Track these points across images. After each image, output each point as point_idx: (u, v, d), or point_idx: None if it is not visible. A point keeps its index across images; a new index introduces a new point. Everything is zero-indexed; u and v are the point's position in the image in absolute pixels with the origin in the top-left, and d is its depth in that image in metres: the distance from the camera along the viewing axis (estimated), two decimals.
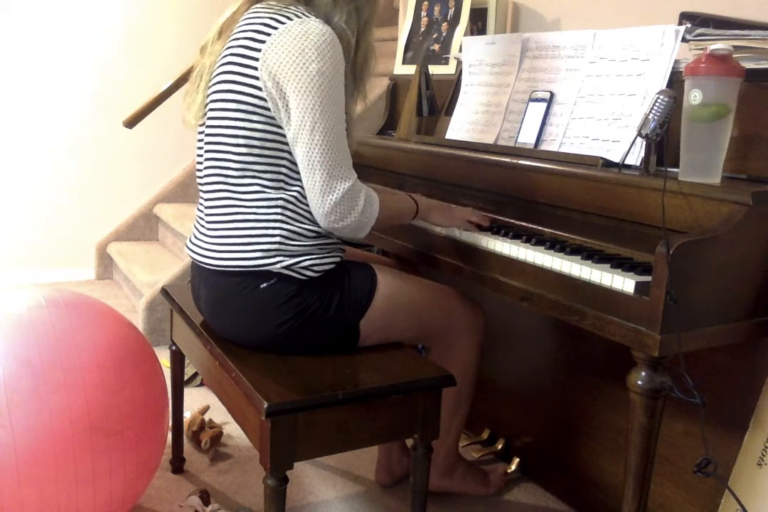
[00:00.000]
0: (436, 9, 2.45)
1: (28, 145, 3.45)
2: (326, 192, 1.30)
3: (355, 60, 1.41)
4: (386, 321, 1.45)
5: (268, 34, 1.29)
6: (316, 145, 1.29)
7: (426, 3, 2.48)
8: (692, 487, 1.47)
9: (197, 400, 2.19)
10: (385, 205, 1.40)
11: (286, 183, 1.35)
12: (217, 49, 1.40)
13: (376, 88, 2.94)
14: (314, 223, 1.37)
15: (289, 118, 1.29)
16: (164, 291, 1.77)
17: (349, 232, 1.37)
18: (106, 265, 3.71)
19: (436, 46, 2.43)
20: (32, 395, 1.33)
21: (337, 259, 1.41)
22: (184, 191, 3.72)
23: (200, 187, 1.44)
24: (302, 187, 1.35)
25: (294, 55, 1.26)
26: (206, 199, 1.41)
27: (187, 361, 1.89)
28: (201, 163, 1.44)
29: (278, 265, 1.34)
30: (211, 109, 1.38)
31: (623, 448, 1.45)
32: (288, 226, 1.34)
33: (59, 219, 3.57)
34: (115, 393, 1.42)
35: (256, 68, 1.29)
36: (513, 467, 1.88)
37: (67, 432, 1.34)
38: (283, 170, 1.34)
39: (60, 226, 3.58)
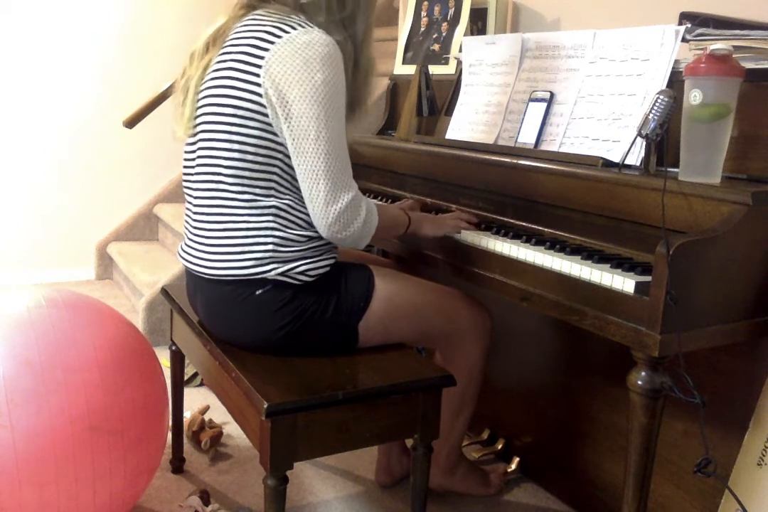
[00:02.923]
0: (436, 9, 2.45)
1: (28, 145, 3.45)
2: (330, 202, 1.31)
3: (355, 81, 1.41)
4: (386, 324, 1.45)
5: (272, 42, 1.28)
6: (321, 154, 1.29)
7: (426, 3, 2.49)
8: (692, 487, 1.47)
9: (197, 400, 2.19)
10: (383, 216, 1.41)
11: (278, 191, 1.34)
12: (205, 62, 1.38)
13: (377, 88, 2.93)
14: (306, 228, 1.36)
15: (289, 127, 1.28)
16: (164, 291, 1.77)
17: (350, 242, 1.38)
18: (106, 265, 3.71)
19: (436, 46, 2.43)
20: (32, 395, 1.33)
21: (332, 261, 1.41)
22: None
23: (190, 193, 1.43)
24: (294, 197, 1.35)
25: (299, 65, 1.26)
26: (195, 205, 1.40)
27: (187, 361, 1.89)
28: (192, 167, 1.42)
29: (272, 272, 1.34)
30: (204, 113, 1.37)
31: (623, 448, 1.45)
32: (280, 233, 1.34)
33: (59, 219, 3.57)
34: (115, 393, 1.42)
35: (258, 75, 1.29)
36: (513, 467, 1.88)
37: (67, 432, 1.34)
38: (275, 178, 1.33)
39: (60, 226, 3.58)
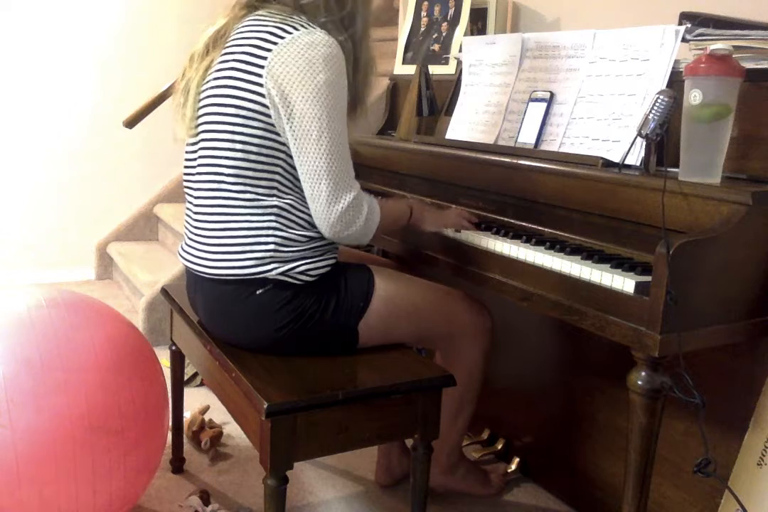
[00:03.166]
0: (436, 9, 2.45)
1: (27, 145, 3.45)
2: (332, 202, 1.31)
3: (355, 80, 1.41)
4: (386, 324, 1.45)
5: (275, 43, 1.29)
6: (323, 154, 1.29)
7: (426, 3, 2.48)
8: (692, 487, 1.47)
9: (197, 400, 2.19)
10: (385, 213, 1.42)
11: (280, 190, 1.34)
12: (206, 63, 1.38)
13: (377, 88, 2.93)
14: (308, 229, 1.37)
15: (291, 127, 1.29)
16: (164, 291, 1.77)
17: (352, 241, 1.39)
18: (106, 265, 3.71)
19: (436, 46, 2.43)
20: (32, 395, 1.33)
21: (332, 261, 1.41)
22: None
23: (191, 193, 1.43)
24: (296, 197, 1.35)
25: (302, 66, 1.27)
26: (197, 205, 1.40)
27: (187, 361, 1.89)
28: (193, 167, 1.42)
29: (273, 272, 1.34)
30: (206, 114, 1.37)
31: (623, 448, 1.45)
32: (281, 233, 1.34)
33: (59, 219, 3.57)
34: (115, 393, 1.42)
35: (260, 75, 1.29)
36: (513, 467, 1.88)
37: (67, 432, 1.34)
38: (277, 177, 1.34)
39: (60, 226, 3.57)
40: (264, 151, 1.32)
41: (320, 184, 1.31)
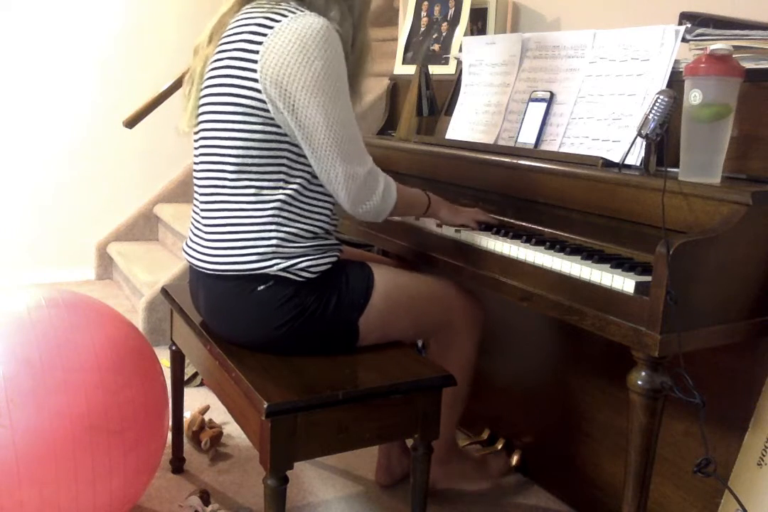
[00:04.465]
0: (436, 9, 2.45)
1: (27, 145, 3.45)
2: (349, 180, 1.34)
3: (352, 53, 1.41)
4: (385, 319, 1.45)
5: (264, 35, 1.28)
6: (333, 140, 1.30)
7: (426, 3, 2.48)
8: (692, 487, 1.47)
9: (197, 400, 2.19)
10: (402, 192, 1.44)
11: (288, 175, 1.34)
12: (207, 53, 1.39)
13: (376, 88, 2.94)
14: (310, 223, 1.37)
15: (296, 118, 1.29)
16: (164, 291, 1.77)
17: (371, 217, 1.41)
18: (106, 265, 3.71)
19: (436, 46, 2.43)
20: (32, 395, 1.33)
21: (334, 259, 1.41)
22: (184, 191, 3.71)
23: (197, 190, 1.44)
24: (304, 179, 1.36)
25: (295, 55, 1.26)
26: (202, 202, 1.41)
27: (187, 361, 1.89)
28: (198, 164, 1.43)
29: (275, 268, 1.34)
30: (205, 113, 1.38)
31: (623, 448, 1.45)
32: (284, 229, 1.34)
33: (59, 219, 3.57)
34: (115, 393, 1.42)
35: (254, 70, 1.29)
36: (514, 462, 1.87)
37: (67, 432, 1.34)
38: (284, 169, 1.34)
39: (60, 226, 3.57)
40: (266, 144, 1.32)
41: (335, 167, 1.33)
